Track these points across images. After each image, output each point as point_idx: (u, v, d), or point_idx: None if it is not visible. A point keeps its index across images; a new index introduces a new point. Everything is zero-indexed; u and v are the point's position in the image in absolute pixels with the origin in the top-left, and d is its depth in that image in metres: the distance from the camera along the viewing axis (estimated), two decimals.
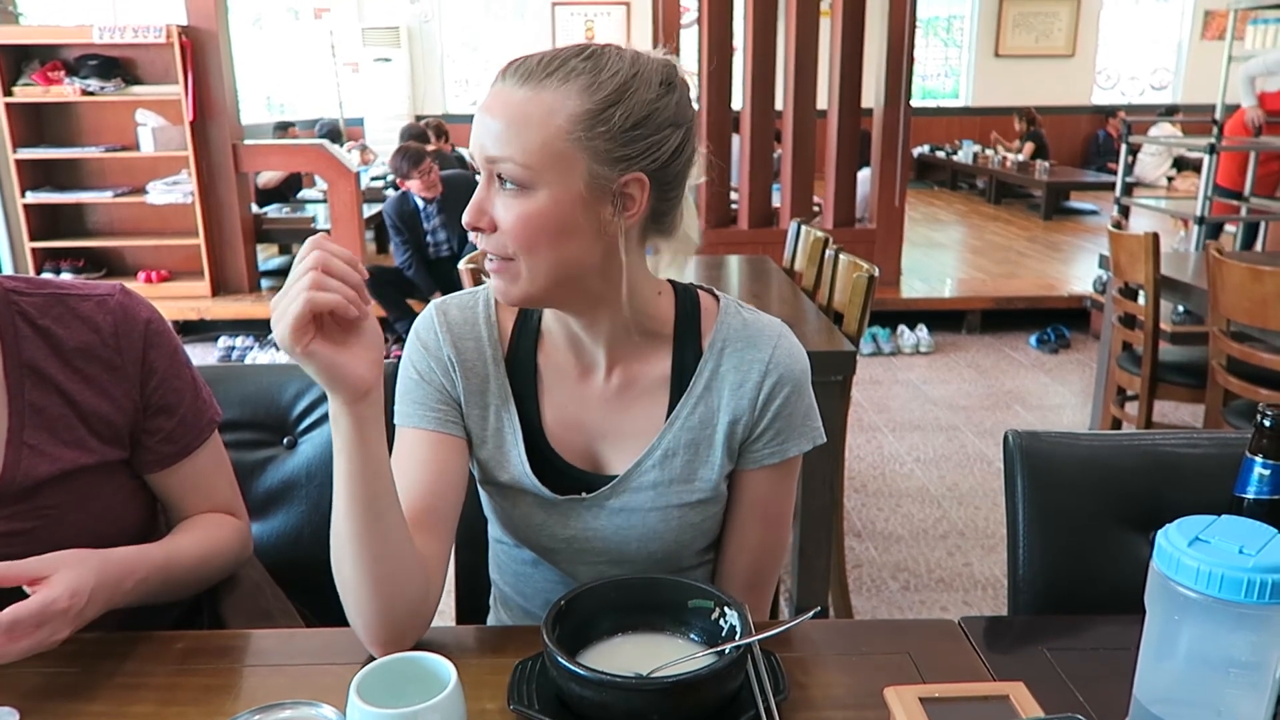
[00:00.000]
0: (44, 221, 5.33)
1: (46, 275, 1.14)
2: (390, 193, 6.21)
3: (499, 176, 0.92)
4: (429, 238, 4.93)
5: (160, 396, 1.07)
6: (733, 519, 1.08)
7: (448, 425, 1.03)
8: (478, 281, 1.06)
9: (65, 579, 0.88)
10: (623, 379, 1.05)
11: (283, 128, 7.56)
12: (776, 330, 1.06)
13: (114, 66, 5.09)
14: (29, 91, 5.00)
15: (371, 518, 0.88)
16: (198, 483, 1.12)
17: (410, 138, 6.66)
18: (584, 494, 1.04)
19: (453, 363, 1.04)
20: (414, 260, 4.89)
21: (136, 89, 5.13)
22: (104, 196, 5.27)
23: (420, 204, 4.87)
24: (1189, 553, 0.68)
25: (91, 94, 5.00)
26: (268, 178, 6.62)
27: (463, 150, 7.51)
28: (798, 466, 1.09)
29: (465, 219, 0.93)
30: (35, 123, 5.21)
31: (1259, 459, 0.80)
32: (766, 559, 1.10)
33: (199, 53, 5.11)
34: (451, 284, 4.68)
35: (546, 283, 0.95)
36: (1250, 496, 0.81)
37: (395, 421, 1.03)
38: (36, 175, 5.24)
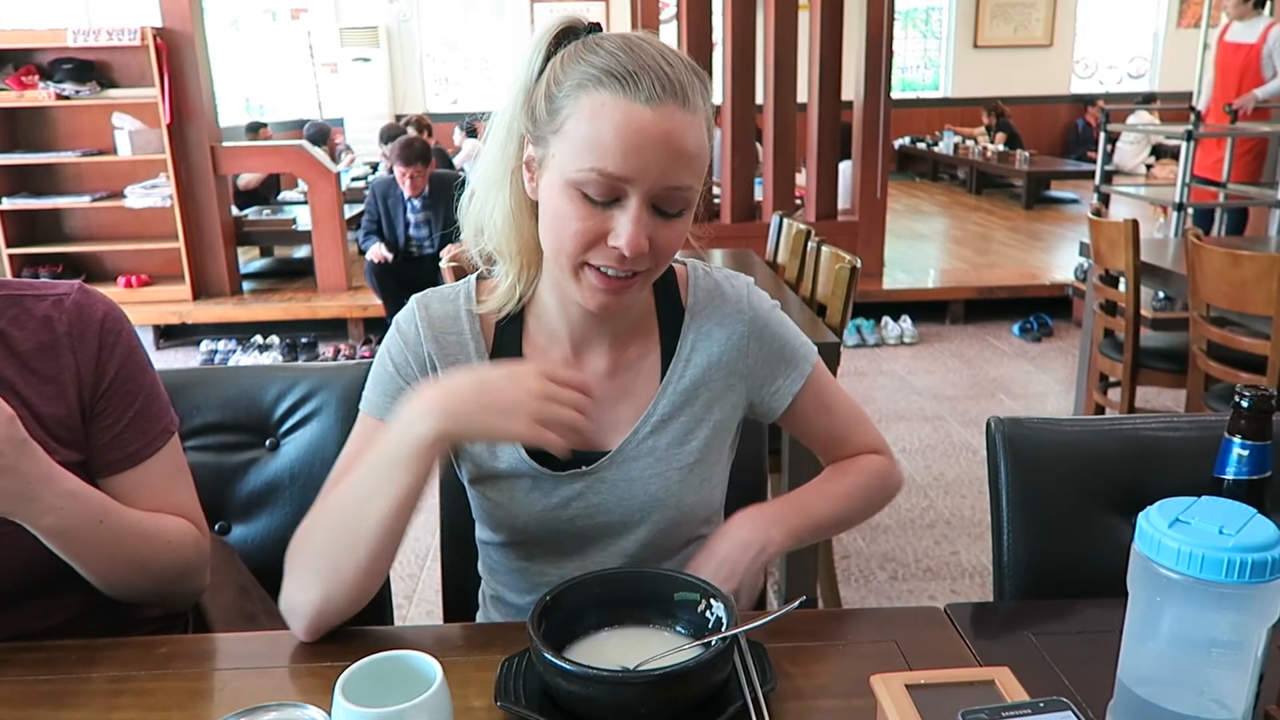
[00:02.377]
0: (21, 227, 5.27)
1: (9, 278, 1.08)
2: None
3: (658, 204, 0.90)
4: (409, 231, 4.91)
5: (108, 398, 1.02)
6: (807, 433, 1.16)
7: None
8: (460, 278, 1.05)
9: (7, 424, 0.86)
10: (619, 358, 1.07)
11: (254, 129, 7.49)
12: (744, 281, 1.11)
13: (89, 70, 5.04)
14: (3, 96, 4.94)
15: (398, 530, 0.92)
16: (148, 494, 1.05)
17: (390, 137, 6.62)
18: (583, 466, 1.04)
19: (433, 358, 1.03)
20: (373, 238, 4.92)
21: (112, 92, 5.08)
22: (82, 201, 5.22)
23: (405, 193, 4.87)
24: (1170, 534, 0.68)
25: (67, 98, 4.95)
26: (247, 179, 6.58)
27: (444, 147, 7.49)
28: (819, 369, 1.13)
29: (636, 251, 0.89)
30: (10, 128, 5.16)
31: (1237, 439, 0.81)
32: (857, 415, 1.18)
33: (175, 55, 5.06)
34: (433, 281, 4.66)
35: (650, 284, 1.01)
36: (1229, 477, 0.81)
37: (361, 406, 1.04)
38: (13, 181, 5.19)
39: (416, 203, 4.87)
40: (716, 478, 1.10)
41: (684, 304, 1.08)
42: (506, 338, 1.06)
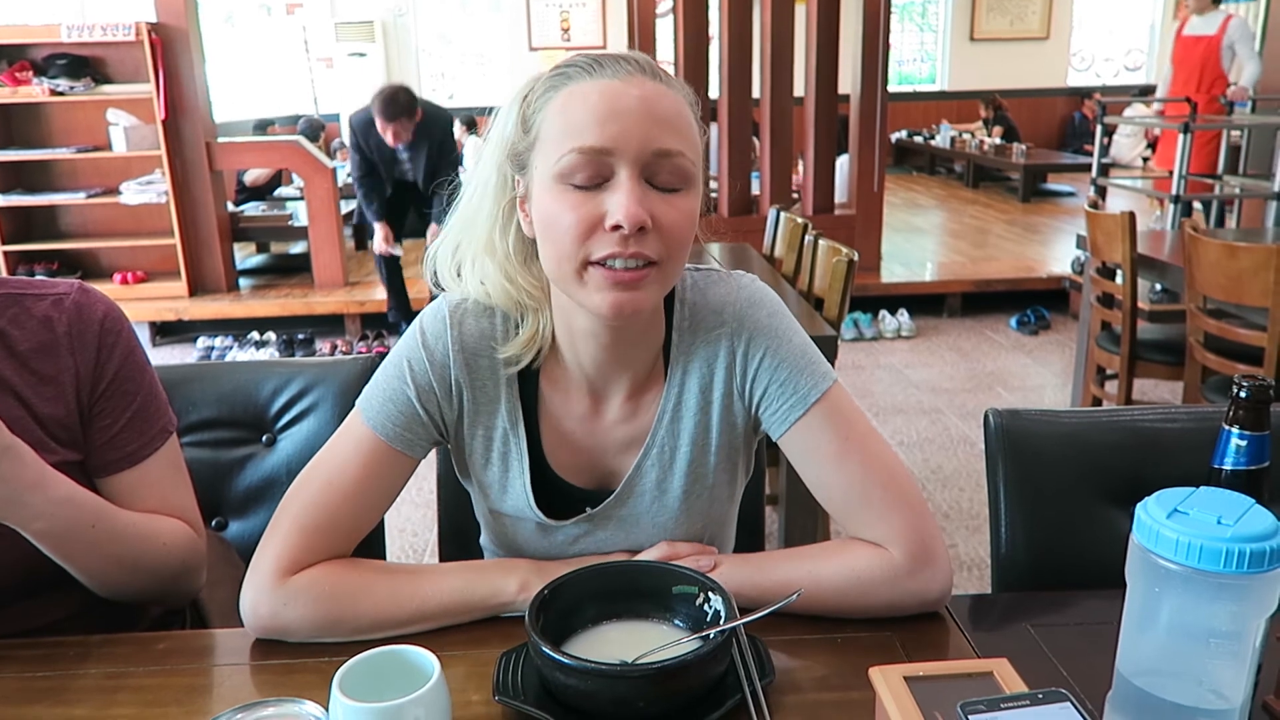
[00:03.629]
0: (16, 224, 5.26)
1: (6, 276, 1.08)
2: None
3: (651, 177, 0.86)
4: (396, 167, 4.70)
5: (107, 398, 1.02)
6: (806, 478, 0.99)
7: (413, 448, 0.98)
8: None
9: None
10: (635, 397, 1.02)
11: (262, 127, 7.45)
12: (732, 286, 1.01)
13: (83, 66, 5.02)
14: None
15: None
16: (147, 494, 1.04)
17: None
18: (588, 508, 1.02)
19: (461, 384, 0.98)
20: (368, 184, 4.67)
21: (107, 88, 5.06)
22: (77, 198, 5.21)
23: (388, 141, 4.62)
24: (1168, 525, 0.68)
25: (61, 94, 4.93)
26: (255, 175, 6.55)
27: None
28: (835, 404, 0.97)
29: (634, 221, 0.83)
30: (4, 124, 5.14)
31: (1235, 430, 0.80)
32: (868, 488, 0.96)
33: (169, 50, 5.04)
34: (404, 211, 4.66)
35: (668, 291, 0.94)
36: (1227, 468, 0.81)
37: (362, 411, 0.98)
38: (7, 177, 5.17)
39: (401, 146, 4.60)
40: (724, 501, 1.06)
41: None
42: (525, 383, 1.01)
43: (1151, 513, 0.70)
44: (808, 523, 2.35)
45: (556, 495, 1.02)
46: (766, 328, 0.99)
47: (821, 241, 2.90)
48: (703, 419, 1.01)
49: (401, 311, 5.00)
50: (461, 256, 0.98)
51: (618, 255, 0.85)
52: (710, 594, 0.88)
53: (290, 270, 6.08)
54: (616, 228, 0.84)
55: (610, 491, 1.02)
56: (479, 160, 0.96)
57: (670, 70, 0.92)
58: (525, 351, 0.98)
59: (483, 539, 1.13)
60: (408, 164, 4.71)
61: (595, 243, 0.86)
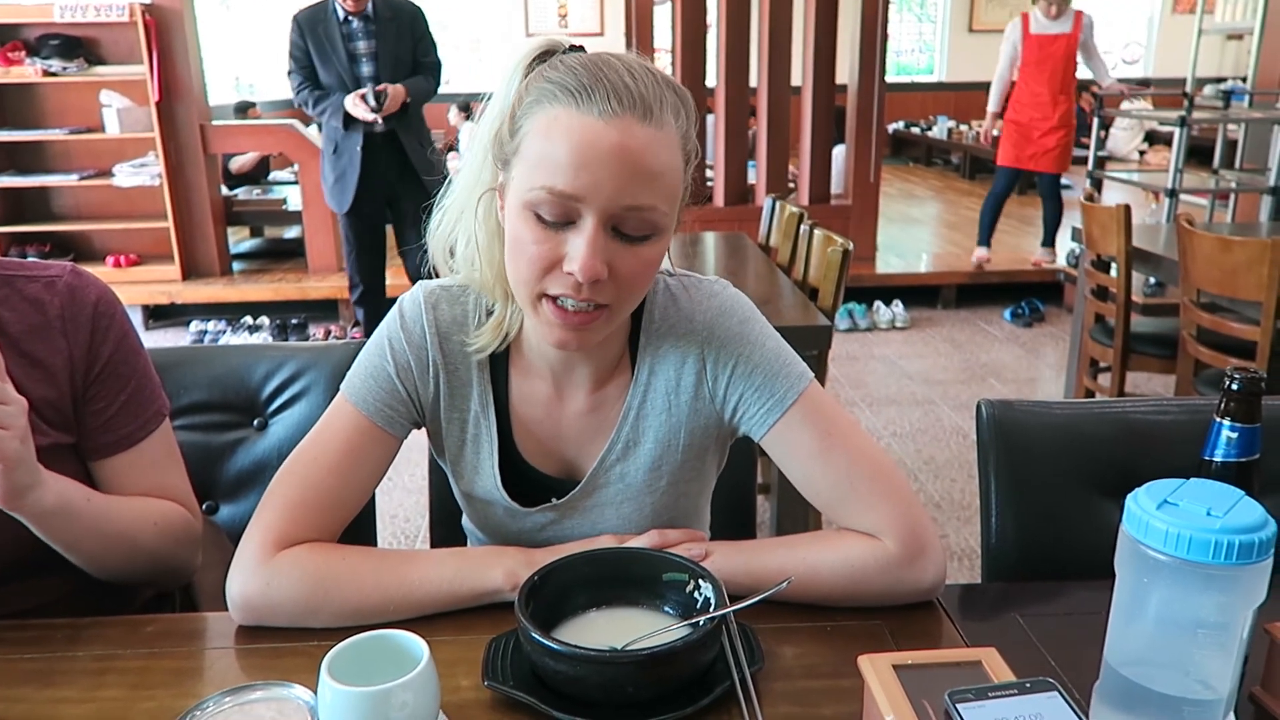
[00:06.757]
0: (8, 206, 5.23)
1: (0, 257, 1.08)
2: None
3: (619, 226, 0.84)
4: (357, 70, 3.72)
5: (101, 382, 1.02)
6: (792, 477, 1.00)
7: (394, 425, 1.00)
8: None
9: (26, 431, 0.86)
10: (599, 393, 1.03)
11: (242, 109, 7.39)
12: (707, 292, 1.01)
13: (76, 46, 4.98)
14: None
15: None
16: (141, 477, 1.05)
17: None
18: (554, 499, 1.03)
19: (437, 366, 1.00)
20: (309, 88, 3.79)
21: (100, 69, 5.03)
22: (69, 179, 5.17)
23: (340, 14, 3.64)
24: (1158, 515, 0.68)
25: (54, 75, 4.90)
26: (240, 163, 6.52)
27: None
28: (813, 403, 0.98)
29: (589, 276, 0.83)
30: None
31: (1226, 422, 0.80)
32: (855, 481, 0.96)
33: (164, 32, 5.01)
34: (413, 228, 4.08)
35: (617, 325, 0.94)
36: (1218, 459, 0.81)
37: (345, 391, 1.00)
38: None
39: (356, 23, 3.66)
40: (694, 495, 1.07)
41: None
42: (495, 367, 1.03)
43: (1141, 503, 0.70)
44: (799, 512, 2.35)
45: (525, 482, 1.04)
46: (738, 335, 0.99)
47: (817, 231, 2.90)
48: (669, 420, 1.02)
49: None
50: (457, 233, 0.98)
51: (570, 297, 0.86)
52: (700, 581, 0.88)
53: (284, 255, 6.05)
54: (571, 274, 0.84)
55: (577, 481, 1.03)
56: (475, 136, 0.95)
57: (668, 61, 0.90)
58: (492, 339, 1.00)
59: (464, 519, 1.15)
60: (369, 60, 3.72)
61: (551, 279, 0.86)
